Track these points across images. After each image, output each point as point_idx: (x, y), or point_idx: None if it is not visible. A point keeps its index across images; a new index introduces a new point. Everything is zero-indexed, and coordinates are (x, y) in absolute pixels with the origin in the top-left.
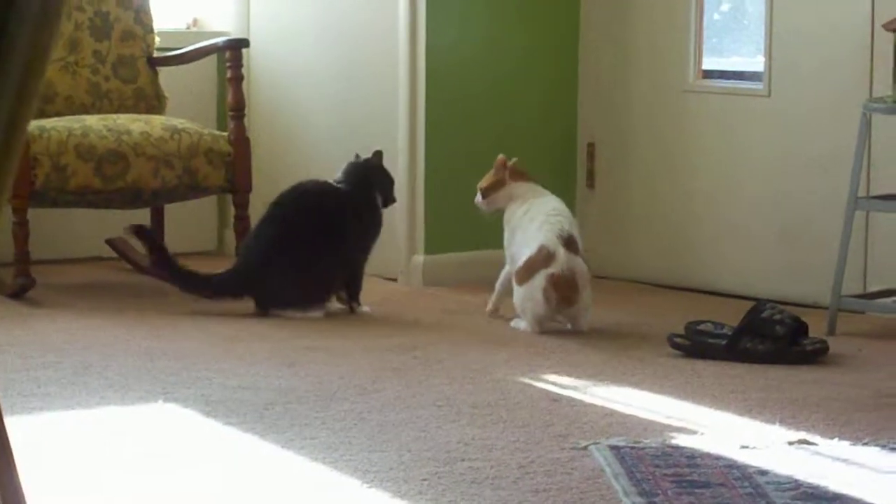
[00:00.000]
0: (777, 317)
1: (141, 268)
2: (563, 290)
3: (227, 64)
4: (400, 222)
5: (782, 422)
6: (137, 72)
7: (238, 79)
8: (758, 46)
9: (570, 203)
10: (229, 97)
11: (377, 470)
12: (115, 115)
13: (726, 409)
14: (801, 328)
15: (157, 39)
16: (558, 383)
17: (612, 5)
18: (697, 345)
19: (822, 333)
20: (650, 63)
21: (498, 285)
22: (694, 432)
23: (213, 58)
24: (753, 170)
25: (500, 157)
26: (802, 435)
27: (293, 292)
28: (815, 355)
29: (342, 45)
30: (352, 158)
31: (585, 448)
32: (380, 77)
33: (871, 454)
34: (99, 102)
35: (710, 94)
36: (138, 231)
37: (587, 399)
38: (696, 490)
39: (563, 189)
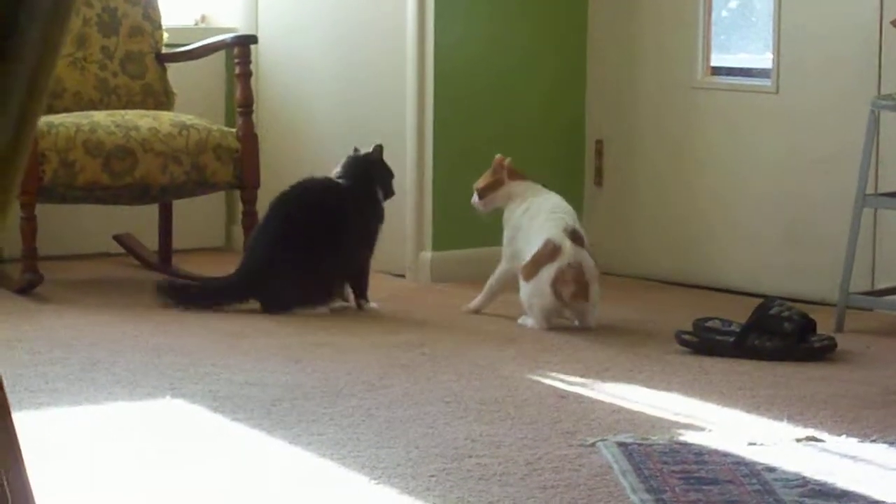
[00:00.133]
0: (785, 314)
1: (149, 264)
2: (572, 283)
3: (236, 60)
4: (408, 219)
5: (790, 419)
6: (145, 68)
7: (246, 75)
8: (766, 43)
9: (577, 200)
10: (237, 93)
11: (385, 466)
12: (123, 111)
13: (734, 405)
14: (809, 325)
15: (165, 35)
16: (566, 380)
17: (620, 2)
18: (705, 342)
19: (830, 330)
20: (658, 60)
21: (488, 285)
22: (702, 429)
23: (221, 54)
24: (761, 166)
25: (498, 156)
26: (810, 432)
27: (298, 292)
28: (823, 352)
29: (350, 41)
30: (351, 152)
31: (593, 445)
32: (387, 74)
33: (879, 451)
34: (107, 98)
35: (719, 91)
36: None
37: (595, 396)
38: (704, 487)
39: (571, 186)
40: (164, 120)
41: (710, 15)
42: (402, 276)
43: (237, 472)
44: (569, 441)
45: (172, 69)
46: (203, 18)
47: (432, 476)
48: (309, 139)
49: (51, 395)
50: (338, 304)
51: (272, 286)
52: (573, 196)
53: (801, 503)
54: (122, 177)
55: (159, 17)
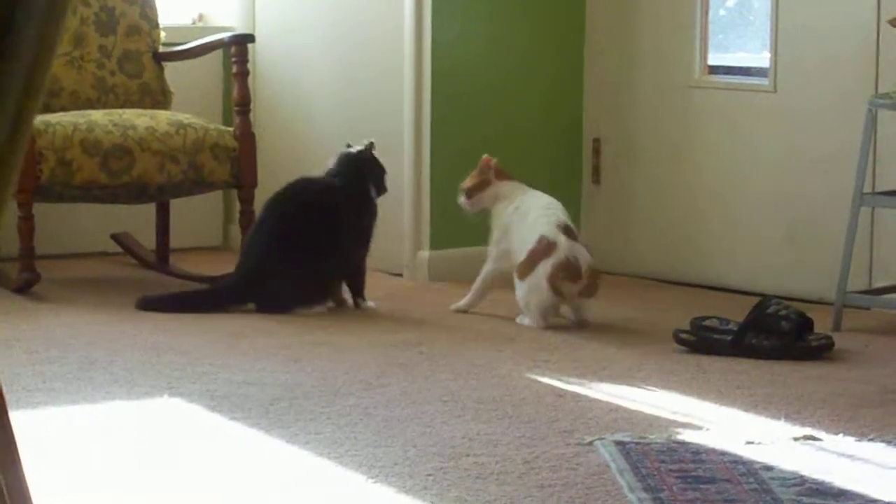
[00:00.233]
0: (783, 313)
1: (146, 263)
2: (570, 277)
3: (233, 59)
4: (406, 218)
5: (787, 417)
6: (143, 67)
7: (243, 74)
8: (763, 42)
9: (575, 199)
10: (235, 92)
11: (382, 465)
12: (120, 110)
13: (732, 404)
14: (806, 324)
15: (162, 34)
16: (563, 379)
17: (618, 1)
18: (703, 340)
19: (827, 329)
20: (655, 59)
21: (475, 285)
22: (699, 428)
23: (218, 53)
24: (759, 165)
25: (485, 156)
26: (808, 431)
27: (295, 293)
28: (821, 351)
29: (347, 40)
30: (343, 148)
31: (591, 443)
32: (385, 73)
33: (877, 450)
34: (104, 97)
35: (716, 90)
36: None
37: (592, 394)
38: (702, 486)
39: (569, 185)
40: (161, 119)
41: (707, 14)
42: (400, 275)
43: (235, 471)
44: (566, 440)
45: (170, 68)
46: (200, 17)
47: (430, 475)
48: (306, 138)
49: (48, 394)
50: (329, 304)
51: (269, 288)
52: (571, 195)
53: (799, 502)
54: (120, 176)
55: (157, 16)
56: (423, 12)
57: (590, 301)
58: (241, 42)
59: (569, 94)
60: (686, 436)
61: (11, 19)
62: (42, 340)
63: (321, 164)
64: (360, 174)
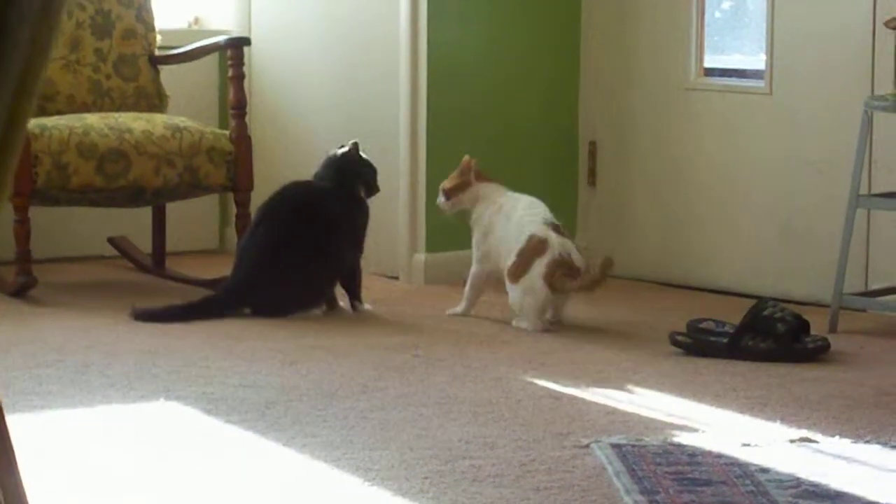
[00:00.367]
0: (778, 315)
1: (143, 266)
2: (566, 273)
3: (229, 62)
4: (401, 221)
5: (783, 420)
6: (139, 70)
7: (239, 77)
8: (759, 44)
9: (571, 202)
10: (231, 96)
11: (379, 468)
12: (116, 114)
13: (728, 407)
14: (802, 326)
15: (158, 38)
16: (560, 381)
17: (614, 3)
18: (699, 343)
19: (823, 331)
20: (651, 61)
21: (468, 289)
22: (695, 430)
23: (214, 56)
24: (755, 167)
25: (466, 158)
26: (804, 433)
27: (290, 298)
28: (817, 353)
29: (343, 43)
30: (329, 152)
31: (587, 446)
32: (381, 75)
33: (873, 452)
34: (100, 101)
35: (712, 92)
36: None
37: (588, 397)
38: (698, 488)
39: (565, 187)
40: (157, 122)
41: (703, 16)
42: (396, 277)
43: (231, 474)
44: (563, 442)
45: (165, 71)
46: (196, 21)
47: (426, 478)
48: (302, 141)
49: (45, 397)
50: (322, 308)
51: (264, 294)
52: (567, 197)
53: None
54: (116, 179)
55: (153, 19)
56: (419, 15)
57: (567, 298)
58: (237, 45)
59: (565, 96)
60: (682, 438)
61: (3, 21)
62: (38, 344)
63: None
64: (347, 175)
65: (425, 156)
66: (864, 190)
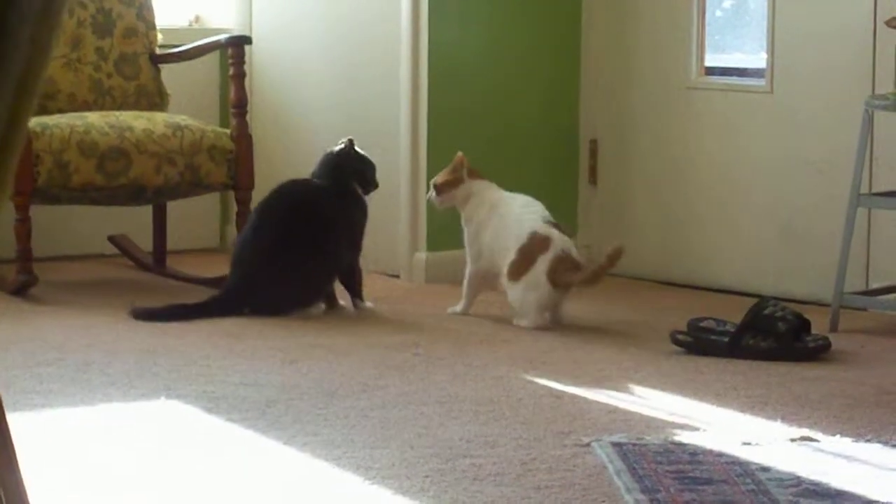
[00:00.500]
0: (779, 314)
1: (143, 265)
2: (569, 268)
3: (230, 61)
4: (402, 219)
5: (784, 418)
6: (140, 69)
7: (240, 76)
8: (760, 43)
9: (572, 200)
10: (231, 94)
11: (379, 467)
12: (117, 112)
13: (728, 405)
14: (803, 325)
15: (159, 36)
16: (561, 380)
17: (614, 2)
18: (700, 342)
19: (824, 330)
20: (652, 60)
21: (465, 288)
22: (696, 429)
23: (215, 55)
24: (756, 166)
25: (459, 154)
26: (804, 432)
27: (288, 298)
28: (818, 352)
29: (344, 41)
30: (327, 150)
31: (588, 445)
32: (382, 74)
33: (873, 451)
34: (101, 99)
35: (713, 91)
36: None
37: (589, 396)
38: (699, 487)
39: (566, 186)
40: (158, 121)
41: (704, 15)
42: (397, 276)
43: (232, 472)
44: (563, 441)
45: (166, 70)
46: (197, 19)
47: (427, 476)
48: (303, 140)
49: (45, 396)
50: (321, 307)
51: (263, 294)
52: (568, 196)
53: (796, 503)
54: (117, 178)
55: (153, 17)
56: (420, 14)
57: (568, 302)
58: (238, 44)
59: (566, 95)
60: (683, 437)
61: (4, 21)
62: (39, 342)
63: None
64: (342, 172)
65: (426, 155)
66: (864, 189)
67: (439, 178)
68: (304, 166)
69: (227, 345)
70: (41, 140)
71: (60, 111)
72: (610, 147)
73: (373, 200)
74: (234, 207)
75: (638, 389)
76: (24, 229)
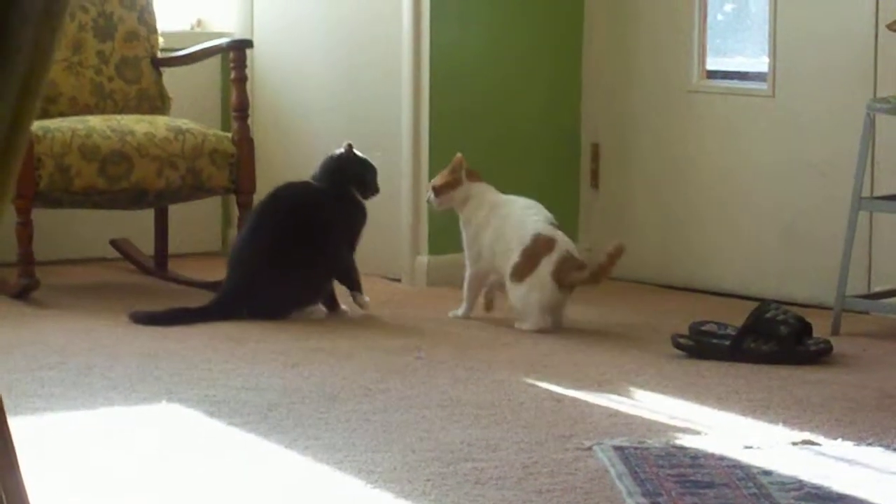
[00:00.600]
0: (781, 317)
1: (145, 269)
2: (574, 267)
3: (231, 65)
4: (404, 223)
5: (786, 422)
6: (141, 72)
7: (242, 80)
8: (762, 47)
9: (573, 204)
10: (233, 98)
11: (381, 470)
12: (118, 116)
13: (730, 409)
14: (805, 328)
15: (160, 40)
16: (562, 383)
17: (616, 5)
18: (701, 345)
19: (826, 334)
20: (654, 63)
21: (466, 291)
22: (698, 432)
23: (216, 58)
24: (757, 170)
25: (458, 156)
26: (806, 435)
27: (285, 299)
28: (819, 356)
29: (346, 45)
30: (329, 153)
31: (589, 448)
32: (383, 77)
33: (875, 454)
34: (102, 103)
35: (714, 95)
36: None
37: (591, 399)
38: (700, 490)
39: (567, 190)
40: (159, 124)
41: (705, 19)
42: (399, 280)
43: (233, 476)
44: (565, 445)
45: (168, 74)
46: (199, 23)
47: (428, 480)
48: (304, 143)
49: (47, 399)
50: (322, 309)
51: (260, 296)
52: (569, 200)
53: None
54: (118, 181)
55: (155, 21)
56: (421, 16)
57: (569, 305)
58: (240, 47)
59: (567, 98)
60: (685, 440)
61: (7, 24)
62: (41, 346)
63: None
64: (339, 175)
65: (427, 157)
66: (866, 192)
67: (438, 179)
68: (306, 169)
69: (228, 348)
70: (43, 144)
71: (62, 115)
72: (612, 150)
73: (374, 203)
74: (236, 211)
75: (639, 393)
76: (25, 233)
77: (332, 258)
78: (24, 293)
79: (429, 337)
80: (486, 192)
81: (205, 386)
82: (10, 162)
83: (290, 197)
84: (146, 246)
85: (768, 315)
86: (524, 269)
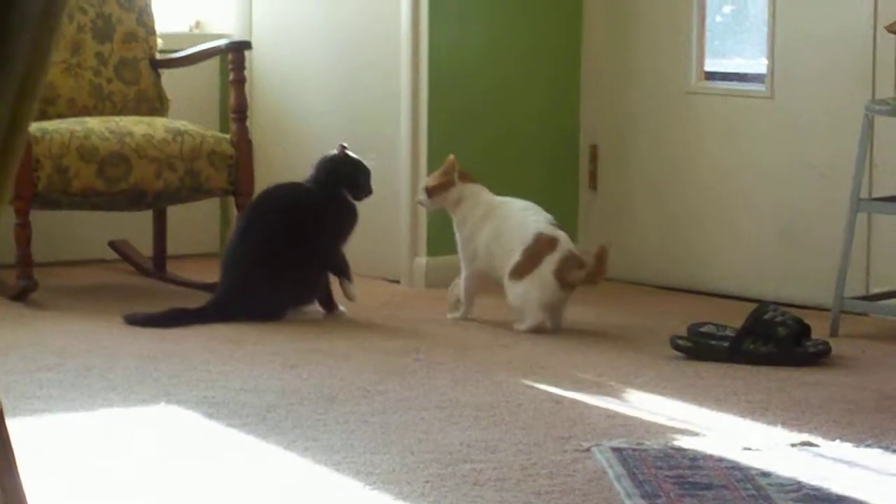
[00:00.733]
0: (780, 318)
1: (144, 270)
2: (575, 266)
3: (230, 66)
4: (402, 224)
5: (784, 424)
6: (140, 74)
7: (240, 81)
8: (760, 48)
9: (572, 205)
10: (231, 99)
11: (380, 472)
12: (117, 118)
13: (729, 410)
14: (803, 330)
15: (159, 41)
16: (561, 385)
17: (615, 7)
18: (700, 347)
19: (824, 335)
20: (652, 64)
21: (463, 293)
22: (696, 434)
23: (215, 60)
24: (756, 171)
25: (451, 157)
26: (805, 437)
27: (280, 301)
28: (818, 357)
29: (344, 46)
30: (324, 154)
31: (588, 450)
32: (382, 79)
33: (874, 456)
34: (101, 104)
35: (713, 96)
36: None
37: (590, 401)
38: (699, 492)
39: (566, 191)
40: (158, 126)
41: (703, 20)
42: (397, 281)
43: (232, 478)
44: (563, 446)
45: (166, 75)
46: (197, 24)
47: (427, 481)
48: (303, 144)
49: (45, 401)
50: (315, 309)
51: (254, 298)
52: (568, 201)
53: None
54: (117, 183)
55: (153, 23)
56: (420, 16)
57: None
58: (238, 49)
59: (566, 99)
60: (683, 442)
61: (6, 25)
62: (39, 348)
63: None
64: (330, 176)
65: (426, 159)
66: (864, 194)
67: (430, 180)
68: (304, 171)
69: (226, 350)
70: (41, 145)
71: (60, 116)
72: (610, 152)
73: (372, 204)
74: (234, 212)
75: (638, 394)
76: (24, 234)
77: (322, 258)
78: (22, 295)
79: (427, 338)
80: (480, 193)
81: (203, 387)
82: (8, 163)
83: (280, 198)
84: (145, 247)
85: (767, 316)
86: (525, 267)
